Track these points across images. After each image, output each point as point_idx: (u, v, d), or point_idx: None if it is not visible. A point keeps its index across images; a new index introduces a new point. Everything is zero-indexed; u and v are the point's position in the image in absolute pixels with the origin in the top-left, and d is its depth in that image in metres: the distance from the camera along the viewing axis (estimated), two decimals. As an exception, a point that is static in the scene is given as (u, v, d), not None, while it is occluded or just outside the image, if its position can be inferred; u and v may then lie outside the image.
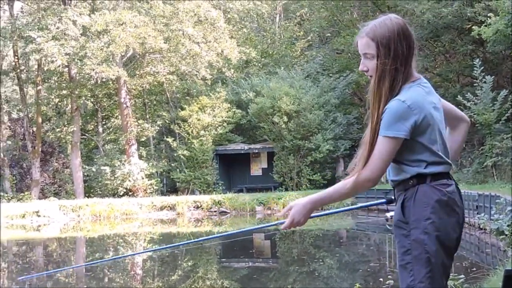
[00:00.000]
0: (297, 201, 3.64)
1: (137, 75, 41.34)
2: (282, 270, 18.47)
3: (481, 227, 21.39)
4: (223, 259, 21.38)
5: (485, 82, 29.27)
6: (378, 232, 26.80)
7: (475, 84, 30.19)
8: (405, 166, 3.58)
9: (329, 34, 48.92)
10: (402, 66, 3.51)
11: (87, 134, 45.28)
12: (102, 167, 40.85)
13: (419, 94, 3.51)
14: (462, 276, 8.69)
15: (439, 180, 3.53)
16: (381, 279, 12.93)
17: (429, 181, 3.52)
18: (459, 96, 30.14)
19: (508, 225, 12.04)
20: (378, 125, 3.49)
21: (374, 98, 3.55)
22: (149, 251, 23.95)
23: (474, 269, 14.46)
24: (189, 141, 41.48)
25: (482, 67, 29.68)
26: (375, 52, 3.53)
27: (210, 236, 22.16)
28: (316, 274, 16.62)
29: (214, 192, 39.82)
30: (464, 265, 15.80)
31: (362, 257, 19.97)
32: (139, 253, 24.30)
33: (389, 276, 9.76)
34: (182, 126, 41.71)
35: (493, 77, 29.73)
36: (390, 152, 3.46)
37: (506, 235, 12.18)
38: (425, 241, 3.44)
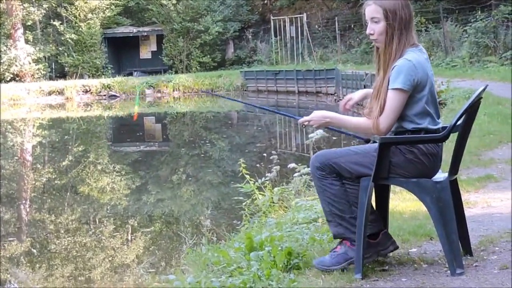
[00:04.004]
0: (321, 111, 4.30)
1: (20, -46, 39.82)
2: (174, 153, 18.74)
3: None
4: (113, 143, 21.44)
5: None
6: (267, 113, 27.16)
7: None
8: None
9: None
10: (405, 29, 4.11)
11: (-31, 19, 43.62)
12: (-13, 52, 39.74)
13: (422, 58, 4.12)
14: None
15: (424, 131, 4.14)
16: (264, 154, 13.36)
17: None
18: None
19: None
20: (387, 81, 4.06)
21: (384, 56, 4.13)
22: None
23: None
24: (76, 25, 40.65)
25: None
26: (381, 15, 4.09)
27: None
28: (206, 156, 16.95)
29: (103, 76, 39.45)
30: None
31: (252, 138, 20.41)
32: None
33: (273, 152, 10.08)
34: (69, 9, 40.74)
35: None
36: (400, 104, 4.04)
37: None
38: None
